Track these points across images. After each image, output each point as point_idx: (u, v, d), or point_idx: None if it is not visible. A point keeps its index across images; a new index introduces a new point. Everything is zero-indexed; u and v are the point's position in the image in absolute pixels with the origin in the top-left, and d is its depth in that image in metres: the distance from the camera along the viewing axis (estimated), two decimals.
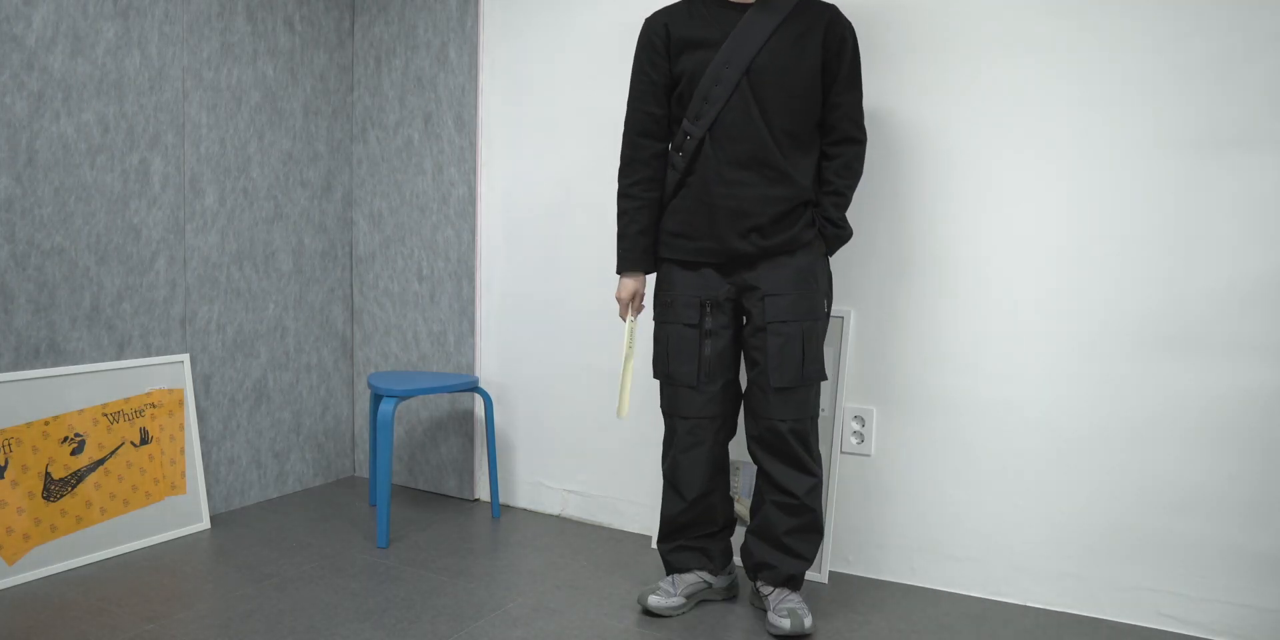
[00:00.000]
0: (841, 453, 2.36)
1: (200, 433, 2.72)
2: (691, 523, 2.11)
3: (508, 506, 2.93)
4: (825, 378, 1.99)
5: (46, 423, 2.30)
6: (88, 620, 2.00)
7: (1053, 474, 2.13)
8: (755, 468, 2.10)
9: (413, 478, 3.11)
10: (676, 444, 2.07)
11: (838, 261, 2.36)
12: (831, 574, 2.36)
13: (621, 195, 2.06)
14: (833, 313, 2.33)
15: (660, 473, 2.58)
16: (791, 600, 2.00)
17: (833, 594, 2.23)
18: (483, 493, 2.99)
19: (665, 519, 2.12)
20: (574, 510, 2.83)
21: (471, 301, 2.92)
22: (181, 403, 2.63)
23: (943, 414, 2.25)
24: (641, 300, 2.12)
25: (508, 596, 2.18)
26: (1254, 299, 1.93)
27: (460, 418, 2.97)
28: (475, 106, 2.88)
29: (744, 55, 1.90)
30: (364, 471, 3.24)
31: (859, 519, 2.36)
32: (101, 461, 2.41)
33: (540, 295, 2.84)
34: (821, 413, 2.32)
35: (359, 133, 3.15)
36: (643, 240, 2.05)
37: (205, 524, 2.65)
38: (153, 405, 2.55)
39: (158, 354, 2.59)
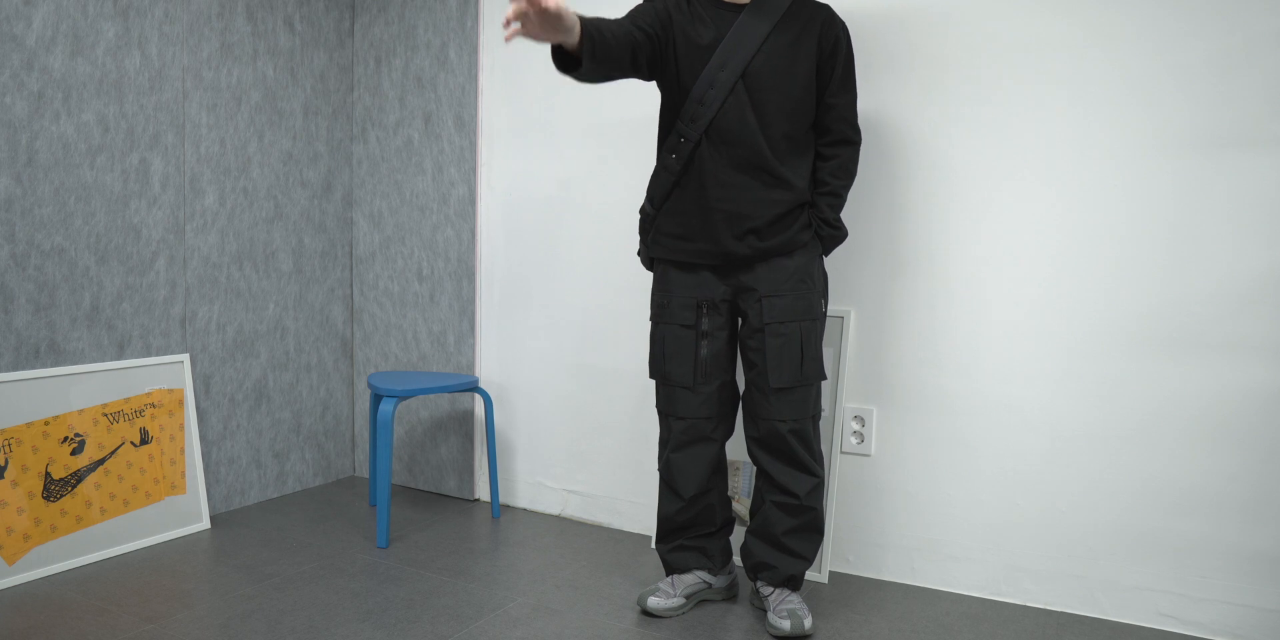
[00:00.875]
0: (841, 453, 2.36)
1: (200, 433, 2.72)
2: (689, 522, 2.11)
3: (508, 506, 2.93)
4: (824, 377, 2.00)
5: (46, 423, 2.30)
6: (88, 620, 2.00)
7: (1052, 474, 2.13)
8: (755, 468, 2.10)
9: (413, 478, 3.11)
10: (672, 443, 2.07)
11: (838, 262, 2.36)
12: (831, 574, 2.36)
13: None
14: (832, 313, 2.34)
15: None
16: (792, 601, 2.00)
17: (833, 594, 2.23)
18: (483, 493, 2.99)
19: (663, 519, 2.12)
20: (574, 510, 2.83)
21: (471, 301, 2.92)
22: (181, 403, 2.63)
23: (942, 414, 2.25)
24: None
25: (508, 596, 2.18)
26: (1252, 299, 1.93)
27: (460, 418, 2.97)
28: (475, 106, 2.88)
29: (739, 59, 1.90)
30: (364, 471, 3.24)
31: (859, 519, 2.36)
32: (101, 461, 2.41)
33: (540, 295, 2.84)
34: (822, 413, 2.32)
35: (359, 133, 3.15)
36: (599, 22, 1.76)
37: (205, 524, 2.65)
38: (153, 405, 2.55)
39: (158, 354, 2.59)
